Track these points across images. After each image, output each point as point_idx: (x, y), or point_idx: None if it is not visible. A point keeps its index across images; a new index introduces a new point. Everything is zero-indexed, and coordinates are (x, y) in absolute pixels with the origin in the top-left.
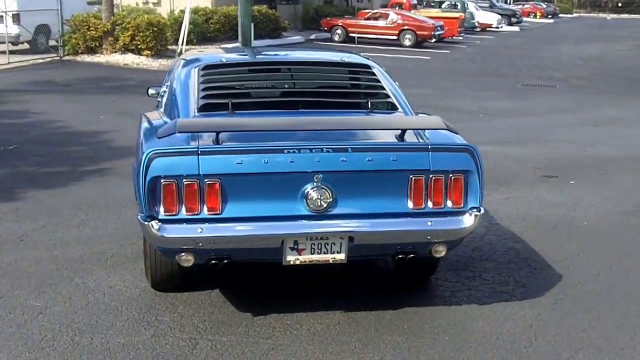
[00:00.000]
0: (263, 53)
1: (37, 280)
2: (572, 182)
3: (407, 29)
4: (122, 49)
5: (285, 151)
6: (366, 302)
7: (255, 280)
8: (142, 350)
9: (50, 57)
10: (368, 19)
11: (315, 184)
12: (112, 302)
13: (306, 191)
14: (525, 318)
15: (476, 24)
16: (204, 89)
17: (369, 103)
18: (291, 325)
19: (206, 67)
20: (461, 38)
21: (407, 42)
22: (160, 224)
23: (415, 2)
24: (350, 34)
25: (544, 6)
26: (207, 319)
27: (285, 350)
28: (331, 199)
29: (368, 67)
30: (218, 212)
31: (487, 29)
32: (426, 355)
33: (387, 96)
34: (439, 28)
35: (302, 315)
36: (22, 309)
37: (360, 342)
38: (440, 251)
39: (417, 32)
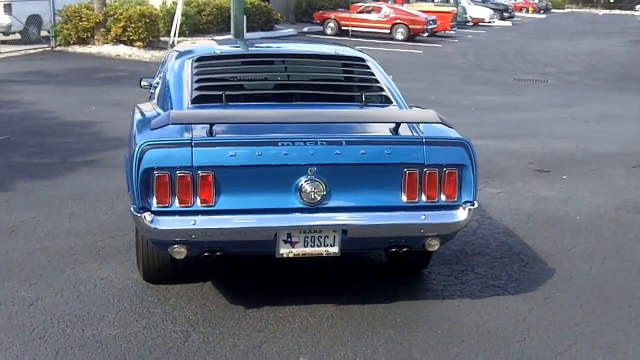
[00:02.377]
0: (256, 45)
1: (28, 272)
2: (564, 176)
3: (400, 23)
4: (114, 40)
5: (279, 144)
6: (359, 296)
7: (247, 273)
8: (134, 342)
9: (42, 48)
10: (361, 12)
11: (309, 176)
12: (104, 293)
13: (300, 184)
14: (518, 312)
15: (468, 18)
16: (198, 81)
17: (363, 96)
18: (284, 318)
19: (200, 59)
20: (453, 32)
21: (399, 36)
22: (153, 215)
23: None
24: (343, 27)
25: (536, 1)
26: (200, 311)
27: (278, 343)
28: (325, 192)
29: (362, 60)
30: (211, 204)
31: (480, 23)
32: (419, 349)
33: (381, 89)
34: (431, 22)
35: (294, 308)
36: (12, 300)
37: (353, 336)
38: (434, 245)
39: (410, 26)
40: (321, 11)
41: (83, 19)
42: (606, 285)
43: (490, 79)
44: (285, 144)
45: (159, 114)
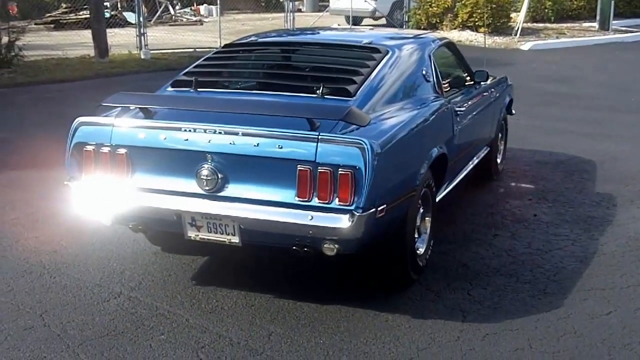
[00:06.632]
0: (295, 34)
1: None
2: None
3: None
4: (461, 26)
5: (182, 130)
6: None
7: (257, 274)
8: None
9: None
10: None
11: (207, 164)
12: None
13: (199, 170)
14: None
15: None
16: (195, 66)
17: (322, 88)
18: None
19: (227, 45)
20: None
21: None
22: None
23: None
24: None
25: None
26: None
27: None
28: (221, 181)
29: (377, 51)
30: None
31: None
32: None
33: (351, 82)
34: None
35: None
36: None
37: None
38: (330, 249)
39: None
40: None
41: (433, 5)
42: None
43: None
44: (187, 130)
45: None
